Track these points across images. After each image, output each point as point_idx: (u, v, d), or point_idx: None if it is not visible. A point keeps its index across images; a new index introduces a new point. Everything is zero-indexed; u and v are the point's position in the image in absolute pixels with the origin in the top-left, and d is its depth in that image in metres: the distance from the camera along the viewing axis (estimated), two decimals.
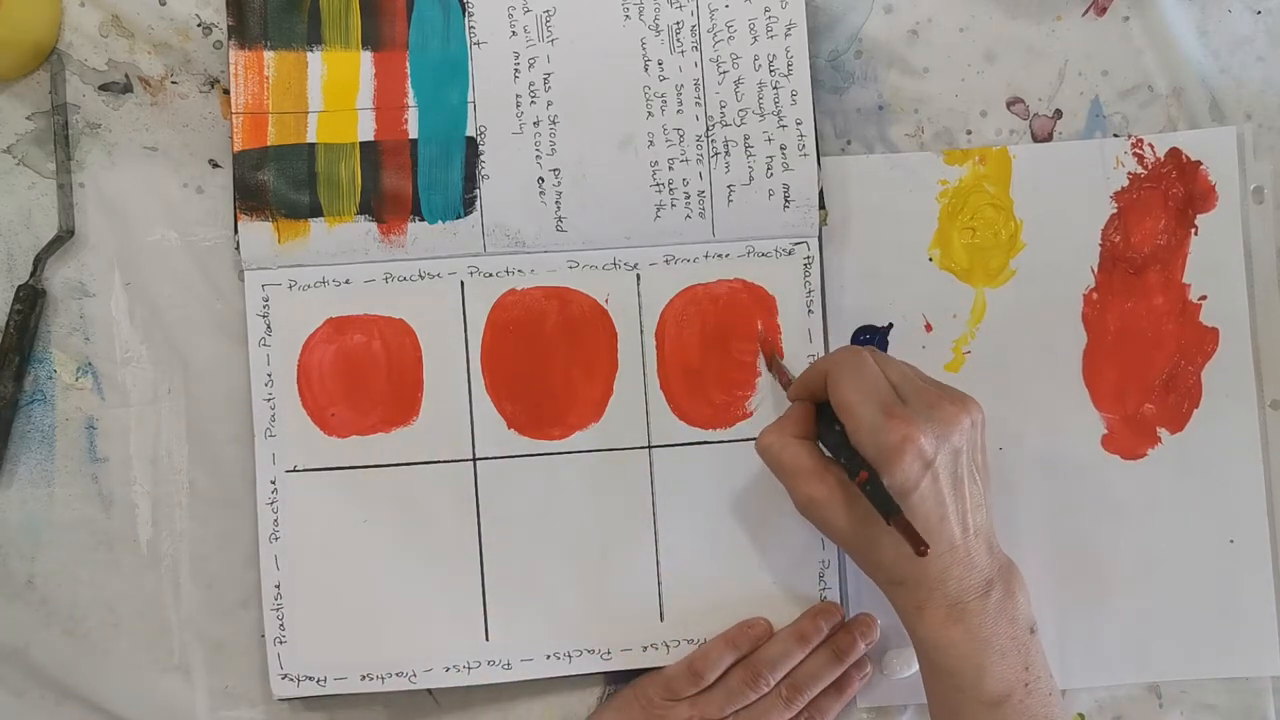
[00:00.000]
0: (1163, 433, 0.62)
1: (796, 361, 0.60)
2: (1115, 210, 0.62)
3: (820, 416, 0.55)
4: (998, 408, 0.61)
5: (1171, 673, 0.62)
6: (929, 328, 0.62)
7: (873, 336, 0.62)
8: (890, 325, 0.62)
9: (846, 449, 0.52)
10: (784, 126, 0.60)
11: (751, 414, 0.61)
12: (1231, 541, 0.62)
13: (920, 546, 0.48)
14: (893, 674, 0.61)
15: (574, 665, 0.60)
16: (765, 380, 0.60)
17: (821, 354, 0.61)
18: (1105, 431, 0.62)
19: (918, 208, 0.62)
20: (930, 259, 0.62)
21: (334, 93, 0.60)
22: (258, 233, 0.59)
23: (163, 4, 0.60)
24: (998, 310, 0.62)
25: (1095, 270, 0.62)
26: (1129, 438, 0.62)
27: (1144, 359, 0.62)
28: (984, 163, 0.62)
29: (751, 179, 0.60)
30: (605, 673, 0.61)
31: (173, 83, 0.61)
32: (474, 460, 0.60)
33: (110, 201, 0.60)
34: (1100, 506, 0.62)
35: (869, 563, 0.53)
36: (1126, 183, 0.62)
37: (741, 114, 0.60)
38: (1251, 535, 0.62)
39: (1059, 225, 0.62)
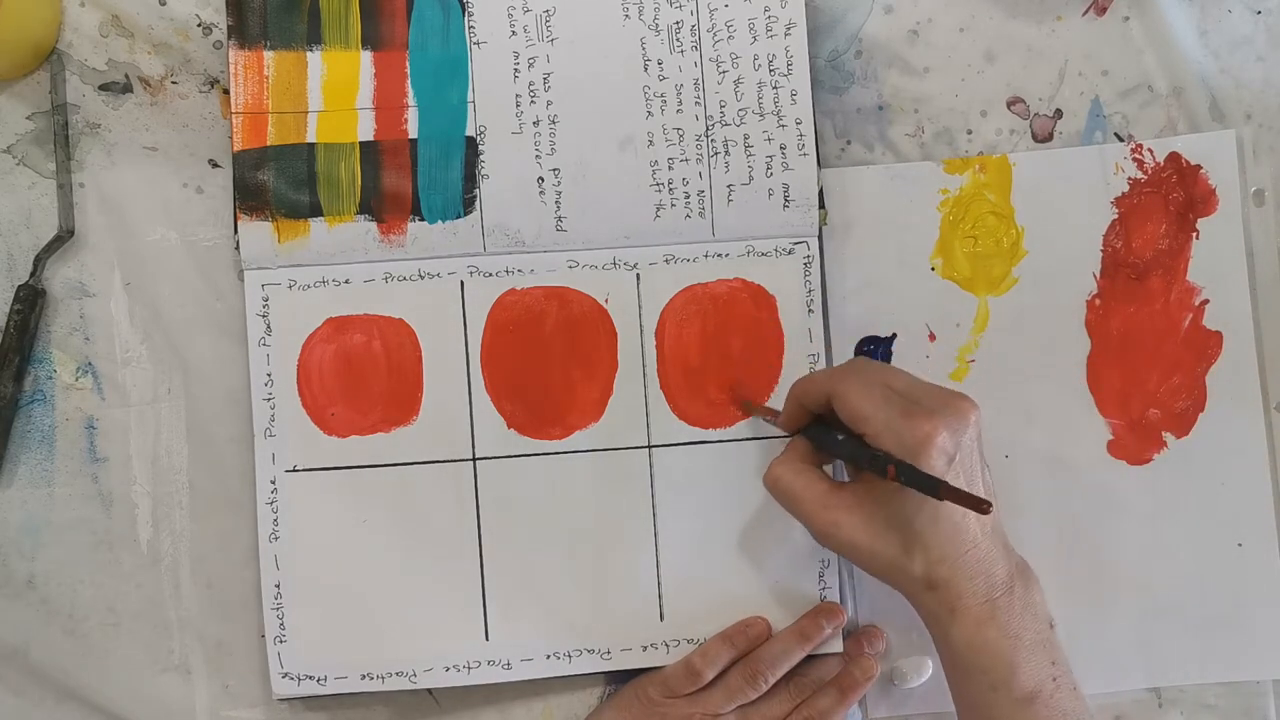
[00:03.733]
0: (1168, 437, 0.62)
1: (796, 364, 0.60)
2: (1116, 216, 0.62)
3: (819, 433, 0.55)
4: (1002, 415, 0.61)
5: (1179, 678, 0.62)
6: (932, 337, 0.62)
7: (877, 347, 0.62)
8: (894, 335, 0.62)
9: (864, 450, 0.52)
10: (784, 126, 0.60)
11: (751, 415, 0.60)
12: (1239, 545, 0.62)
13: (983, 505, 0.47)
14: (903, 683, 0.61)
15: (574, 665, 0.60)
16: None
17: (822, 354, 0.60)
18: (1110, 437, 0.62)
19: (918, 217, 0.62)
20: (932, 268, 0.62)
21: (334, 92, 0.60)
22: (257, 233, 0.59)
23: (163, 4, 0.60)
24: (1001, 318, 0.62)
25: (1097, 276, 0.62)
26: (1134, 443, 0.62)
27: (1148, 364, 0.62)
28: (984, 171, 0.62)
29: (751, 179, 0.60)
30: (605, 673, 0.61)
31: (173, 83, 0.61)
32: (474, 460, 0.60)
33: (110, 201, 0.60)
34: (1106, 512, 0.62)
35: (899, 574, 0.53)
36: (1127, 188, 0.62)
37: (741, 114, 0.60)
38: (1259, 539, 0.62)
39: (1060, 232, 0.62)
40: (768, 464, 0.56)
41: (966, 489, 0.51)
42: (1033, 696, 0.52)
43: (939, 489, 0.48)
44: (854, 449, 0.53)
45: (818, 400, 0.54)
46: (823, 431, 0.55)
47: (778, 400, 0.60)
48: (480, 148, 0.60)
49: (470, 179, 0.60)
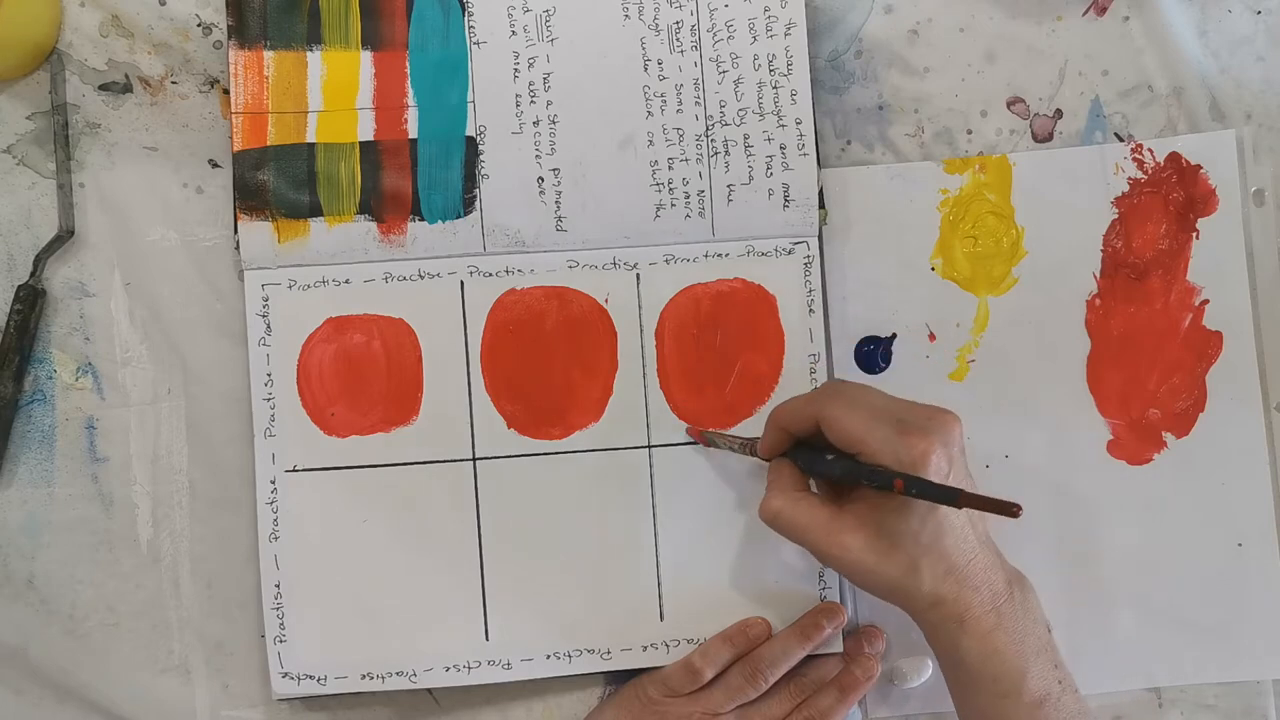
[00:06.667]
0: (1168, 437, 0.62)
1: (797, 364, 0.60)
2: (1116, 216, 0.62)
3: (806, 455, 0.55)
4: (1002, 415, 0.61)
5: (1179, 678, 0.62)
6: (932, 337, 0.62)
7: (876, 347, 0.62)
8: (894, 336, 0.62)
9: (862, 468, 0.51)
10: (784, 126, 0.60)
11: (752, 415, 0.60)
12: (1239, 545, 0.62)
13: (1013, 508, 0.47)
14: (903, 683, 0.61)
15: (574, 665, 0.60)
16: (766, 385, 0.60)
17: (822, 354, 0.60)
18: (1110, 437, 0.62)
19: (919, 217, 0.62)
20: (932, 268, 0.62)
21: (334, 92, 0.60)
22: (257, 232, 0.59)
23: (163, 4, 0.60)
24: (1001, 318, 0.62)
25: (1097, 276, 0.62)
26: (1134, 443, 0.62)
27: (1148, 364, 0.62)
28: (984, 171, 0.62)
29: (751, 178, 0.60)
30: (605, 673, 0.61)
31: (173, 83, 0.61)
32: (474, 460, 0.60)
33: (110, 201, 0.60)
34: (1106, 512, 0.62)
35: (904, 593, 0.52)
36: (1127, 188, 0.62)
37: (741, 114, 0.60)
38: (1259, 539, 0.62)
39: (1060, 232, 0.62)
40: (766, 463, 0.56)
41: None
42: (1042, 700, 0.52)
43: (958, 498, 0.48)
44: (849, 467, 0.52)
45: (804, 425, 0.54)
46: (811, 454, 0.54)
47: (779, 400, 0.60)
48: (480, 148, 0.60)
49: (470, 179, 0.60)
